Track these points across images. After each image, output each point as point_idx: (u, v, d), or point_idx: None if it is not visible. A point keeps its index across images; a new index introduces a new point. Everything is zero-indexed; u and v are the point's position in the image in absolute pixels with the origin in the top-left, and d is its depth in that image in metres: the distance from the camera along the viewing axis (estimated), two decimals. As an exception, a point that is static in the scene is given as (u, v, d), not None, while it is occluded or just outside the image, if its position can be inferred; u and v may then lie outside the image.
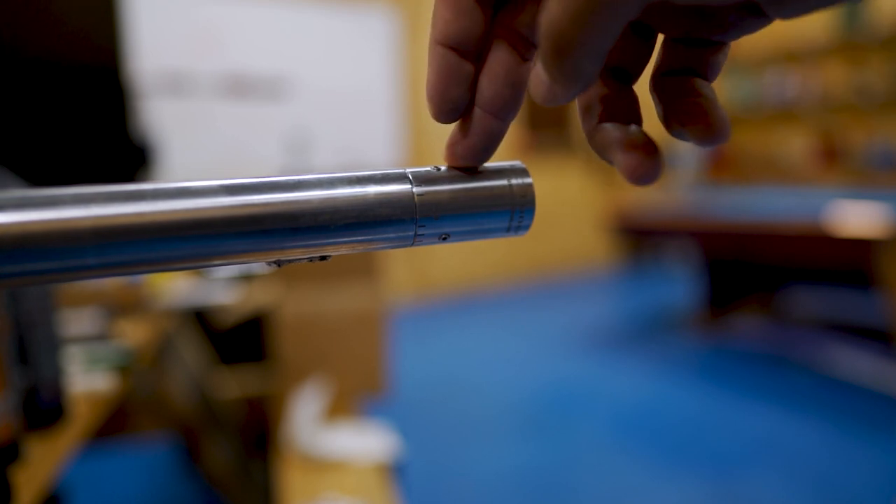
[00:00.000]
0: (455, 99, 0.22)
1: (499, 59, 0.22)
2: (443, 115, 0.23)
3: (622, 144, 0.21)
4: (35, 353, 0.67)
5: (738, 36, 0.21)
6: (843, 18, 4.00)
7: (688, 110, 0.20)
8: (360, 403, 1.51)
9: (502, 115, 0.22)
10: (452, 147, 0.23)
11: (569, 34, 0.16)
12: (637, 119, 0.22)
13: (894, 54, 3.86)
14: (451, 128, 0.24)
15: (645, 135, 0.21)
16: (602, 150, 0.22)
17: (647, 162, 0.20)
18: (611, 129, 0.21)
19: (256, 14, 3.39)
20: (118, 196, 0.18)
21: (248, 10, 3.36)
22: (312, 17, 3.56)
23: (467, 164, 0.23)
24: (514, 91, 0.22)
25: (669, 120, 0.21)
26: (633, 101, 0.23)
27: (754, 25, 0.20)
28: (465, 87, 0.22)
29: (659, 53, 0.23)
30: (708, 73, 0.22)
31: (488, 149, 0.23)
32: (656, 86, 0.22)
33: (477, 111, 0.22)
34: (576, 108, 0.23)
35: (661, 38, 0.23)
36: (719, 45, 0.22)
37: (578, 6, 0.16)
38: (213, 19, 3.27)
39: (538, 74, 0.19)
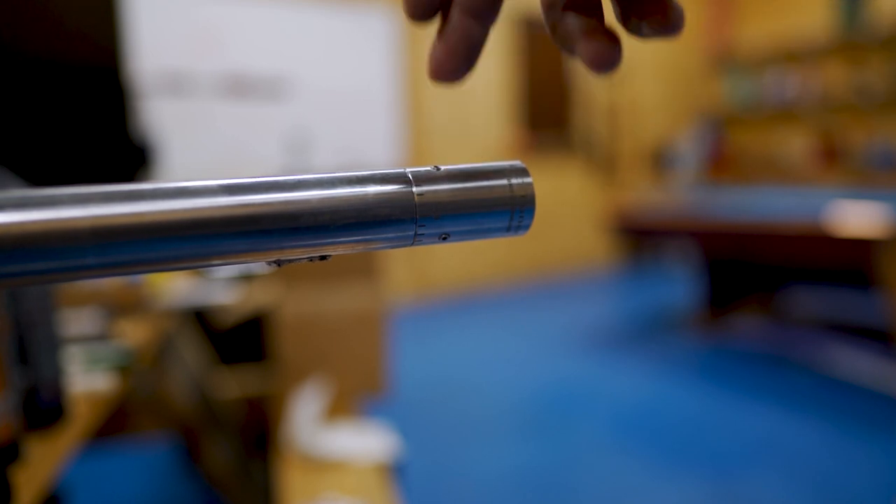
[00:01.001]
0: None
1: None
2: (416, 11, 0.22)
3: (584, 33, 0.21)
4: (35, 353, 0.67)
5: None
6: (843, 18, 4.00)
7: (644, 3, 0.21)
8: (360, 403, 1.51)
9: (481, 16, 0.22)
10: (433, 54, 0.23)
11: None
12: (599, 10, 0.22)
13: (894, 54, 3.86)
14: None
15: (605, 23, 0.21)
16: (564, 42, 0.22)
17: (608, 49, 0.20)
18: (573, 20, 0.22)
19: (256, 14, 3.39)
20: (117, 196, 0.18)
21: (248, 10, 3.36)
22: (312, 17, 3.56)
23: (449, 73, 0.23)
24: None
25: (627, 15, 0.22)
26: None
27: None
28: None
29: None
30: None
31: (469, 53, 0.22)
32: None
33: (454, 13, 0.22)
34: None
35: None
36: None
37: None
38: (213, 19, 3.27)
39: None
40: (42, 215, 0.17)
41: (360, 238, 0.22)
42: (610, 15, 0.23)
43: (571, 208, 4.82)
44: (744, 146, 4.85)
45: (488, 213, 0.23)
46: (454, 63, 0.23)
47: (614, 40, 0.21)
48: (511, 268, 4.60)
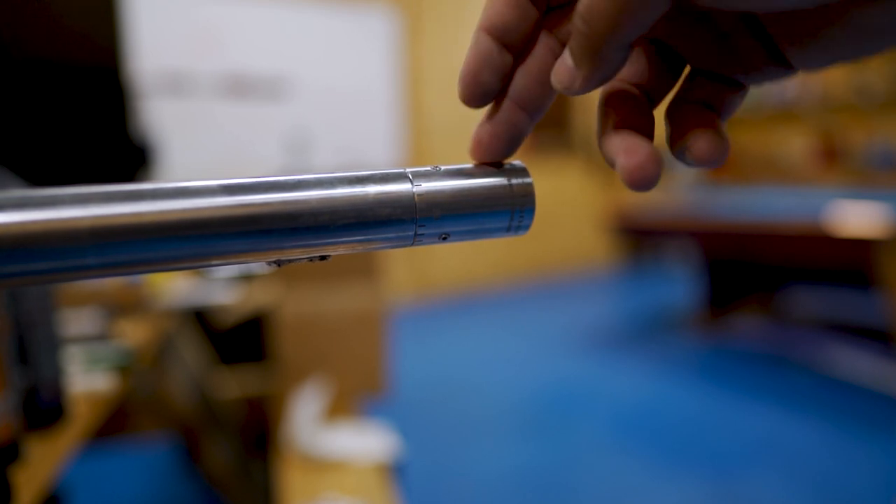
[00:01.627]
0: (485, 84, 0.23)
1: (536, 57, 0.23)
2: (471, 99, 0.23)
3: (624, 149, 0.21)
4: (35, 353, 0.67)
5: (758, 81, 0.22)
6: (843, 18, 4.00)
7: (693, 131, 0.21)
8: (360, 403, 1.51)
9: (529, 110, 0.23)
10: (478, 134, 0.24)
11: (604, 19, 0.17)
12: (649, 136, 0.23)
13: (894, 54, 3.86)
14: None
15: (648, 144, 0.21)
16: (607, 154, 0.22)
17: (644, 167, 0.20)
18: (619, 135, 0.22)
19: (256, 14, 3.39)
20: (117, 196, 0.18)
21: (248, 10, 3.36)
22: (312, 17, 3.56)
23: (490, 154, 0.24)
24: (544, 90, 0.23)
25: (674, 139, 0.22)
26: (650, 119, 0.23)
27: (777, 74, 0.21)
28: (498, 76, 0.23)
29: (681, 84, 0.23)
30: (722, 111, 0.22)
31: (512, 140, 0.24)
32: (671, 111, 0.23)
33: (506, 101, 0.23)
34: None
35: (686, 70, 0.24)
36: (739, 87, 0.22)
37: None
38: (213, 19, 3.27)
39: (563, 61, 0.20)
40: (42, 215, 0.17)
41: (360, 238, 0.22)
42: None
43: (571, 208, 4.82)
44: (744, 146, 4.85)
45: (488, 213, 0.23)
46: (497, 147, 0.24)
47: (652, 160, 0.20)
48: (511, 268, 4.60)
